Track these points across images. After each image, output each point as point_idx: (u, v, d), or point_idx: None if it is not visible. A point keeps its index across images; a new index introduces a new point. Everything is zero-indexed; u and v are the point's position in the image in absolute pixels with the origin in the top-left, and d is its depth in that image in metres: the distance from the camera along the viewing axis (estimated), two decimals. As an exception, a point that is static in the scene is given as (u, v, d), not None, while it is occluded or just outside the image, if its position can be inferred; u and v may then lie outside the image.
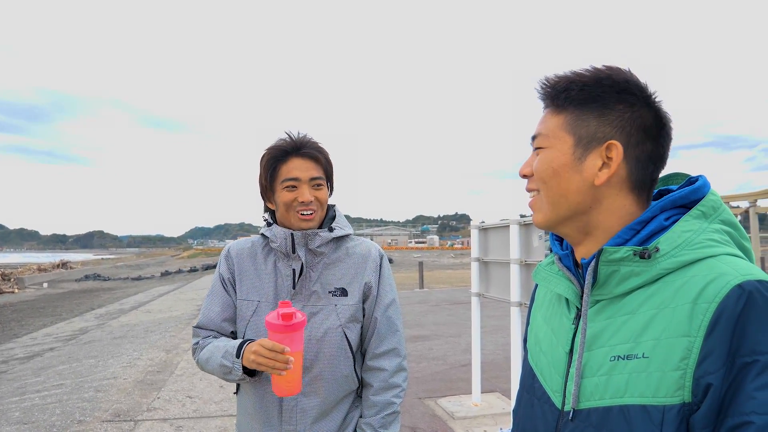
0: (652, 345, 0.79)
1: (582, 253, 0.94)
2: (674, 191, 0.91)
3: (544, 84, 0.94)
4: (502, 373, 6.36)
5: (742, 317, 0.72)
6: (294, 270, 1.65)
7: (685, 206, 0.89)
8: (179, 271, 38.45)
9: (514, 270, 4.33)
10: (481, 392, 5.36)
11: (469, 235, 5.69)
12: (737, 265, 0.78)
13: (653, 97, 0.90)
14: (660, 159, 0.91)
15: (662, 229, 0.86)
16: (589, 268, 0.89)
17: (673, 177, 0.97)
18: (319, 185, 1.65)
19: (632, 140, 0.88)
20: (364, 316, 1.69)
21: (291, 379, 1.43)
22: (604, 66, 0.90)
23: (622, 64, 0.90)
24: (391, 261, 43.95)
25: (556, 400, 0.93)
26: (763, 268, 24.87)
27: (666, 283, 0.82)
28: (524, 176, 0.97)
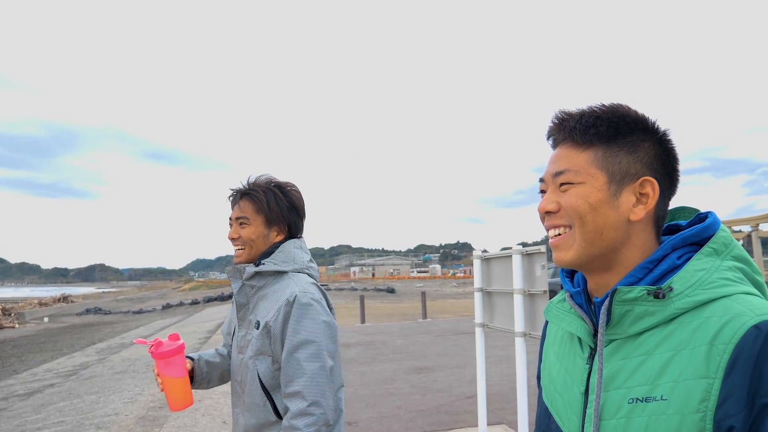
0: (671, 387, 0.79)
1: (600, 288, 0.94)
2: (684, 228, 0.92)
3: (565, 119, 0.94)
4: (508, 404, 6.28)
5: (761, 358, 0.72)
6: (236, 300, 1.88)
7: (696, 243, 0.89)
8: (181, 304, 38.33)
9: (518, 300, 4.31)
10: (488, 424, 5.28)
11: (471, 264, 5.67)
12: (753, 304, 0.78)
13: (668, 134, 0.92)
14: (673, 195, 0.93)
15: (675, 268, 0.87)
16: (603, 308, 0.88)
17: (680, 211, 0.98)
18: (242, 224, 1.83)
19: (658, 176, 0.90)
20: (274, 353, 1.75)
21: (168, 397, 1.73)
22: (617, 103, 0.92)
23: (624, 100, 0.92)
24: (393, 291, 43.81)
25: None
26: (767, 293, 24.70)
27: (681, 324, 0.82)
28: (548, 212, 0.95)
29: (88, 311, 35.68)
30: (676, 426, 0.77)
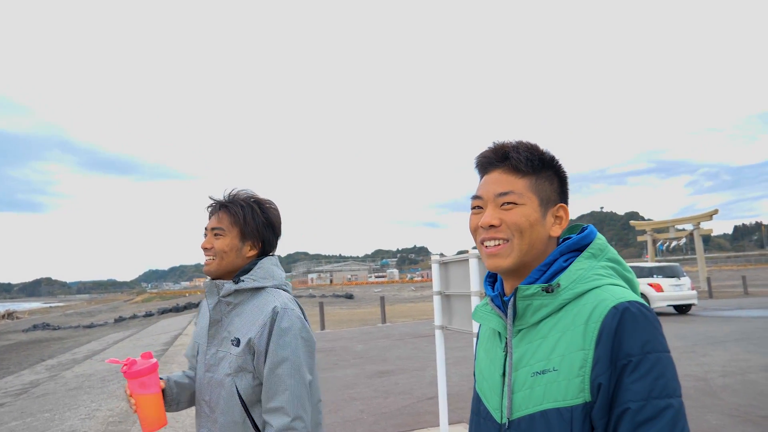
0: (560, 360, 1.05)
1: (510, 285, 1.20)
2: (570, 238, 1.20)
3: (504, 150, 1.19)
4: (468, 404, 6.43)
5: (618, 330, 1.00)
6: (210, 316, 1.85)
7: (579, 249, 1.16)
8: (134, 317, 37.27)
9: (475, 302, 4.46)
10: (449, 424, 5.43)
11: (429, 268, 5.81)
12: (615, 292, 1.06)
13: (566, 172, 1.23)
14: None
15: (562, 269, 1.14)
16: (509, 304, 1.15)
17: (574, 228, 1.24)
18: (217, 234, 1.84)
19: (565, 202, 1.21)
20: (255, 368, 1.73)
21: (141, 417, 1.71)
22: (535, 142, 1.21)
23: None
24: (351, 297, 43.66)
25: (497, 416, 1.16)
26: (709, 286, 25.88)
27: (567, 311, 1.09)
28: (491, 226, 1.16)
29: (35, 327, 34.26)
30: (564, 388, 1.03)
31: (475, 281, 4.48)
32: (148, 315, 37.20)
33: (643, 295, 16.81)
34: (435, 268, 5.40)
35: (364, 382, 8.43)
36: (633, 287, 1.14)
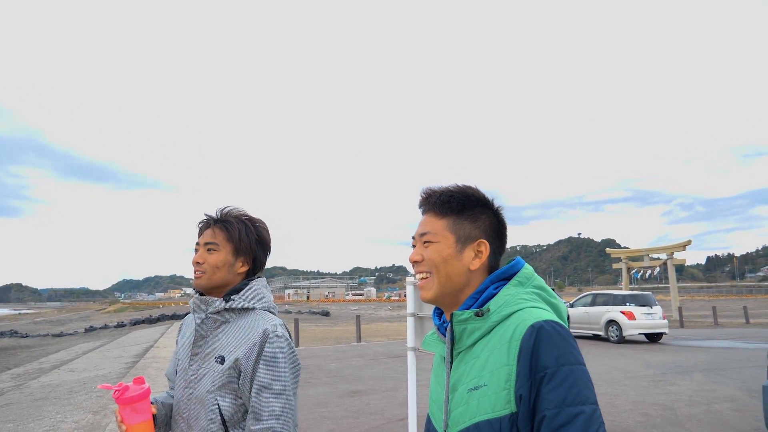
0: (489, 375, 1.17)
1: (448, 315, 1.33)
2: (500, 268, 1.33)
3: (429, 195, 1.36)
4: (438, 426, 6.47)
5: (535, 346, 1.12)
6: (195, 332, 1.84)
7: (507, 278, 1.29)
8: (105, 327, 36.63)
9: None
10: (418, 446, 5.43)
11: (406, 288, 5.86)
12: (533, 313, 1.18)
13: (499, 208, 1.37)
14: (504, 250, 1.37)
15: (492, 296, 1.27)
16: (447, 329, 1.29)
17: (506, 260, 1.38)
18: (210, 249, 1.84)
19: (491, 239, 1.34)
20: (240, 388, 1.73)
21: None
22: (467, 184, 1.36)
23: (475, 182, 1.38)
24: (327, 314, 43.39)
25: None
26: (680, 316, 26.24)
27: (495, 332, 1.22)
28: (414, 262, 1.34)
29: (2, 334, 33.57)
30: (493, 401, 1.15)
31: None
32: (120, 325, 36.57)
33: (615, 322, 17.08)
34: (410, 289, 5.45)
35: (335, 401, 8.40)
36: (558, 311, 1.26)
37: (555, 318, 1.18)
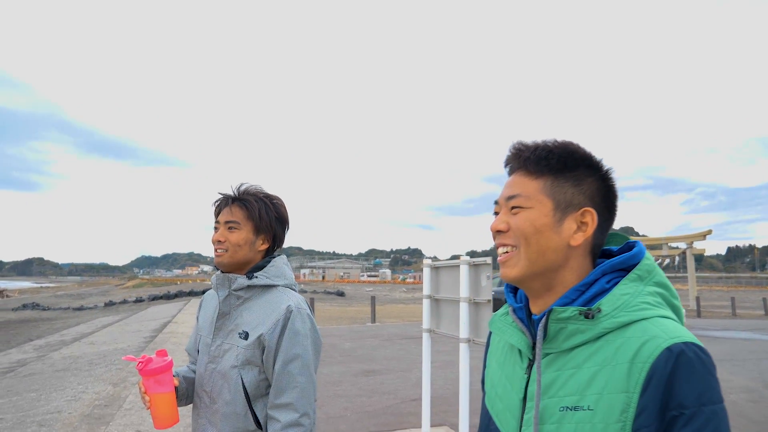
0: (596, 398, 0.92)
1: (539, 305, 1.06)
2: (615, 255, 1.06)
3: (520, 150, 1.07)
4: (451, 407, 6.52)
5: (671, 377, 0.86)
6: (219, 309, 1.87)
7: (623, 269, 1.01)
8: (124, 302, 37.26)
9: (463, 308, 4.54)
10: (431, 426, 5.50)
11: (421, 270, 5.89)
12: (667, 327, 0.91)
13: (609, 170, 1.06)
14: (611, 226, 1.07)
15: (604, 291, 0.99)
16: (540, 324, 1.00)
17: (612, 237, 1.10)
18: (231, 228, 1.85)
19: (598, 208, 1.03)
20: (264, 363, 1.76)
21: (155, 415, 1.71)
22: (568, 140, 1.07)
23: (577, 138, 1.09)
24: (342, 294, 43.63)
25: None
26: (698, 306, 26.01)
27: (607, 342, 0.94)
28: (498, 231, 1.06)
29: (25, 306, 34.29)
30: None
31: (464, 287, 4.56)
32: (139, 301, 37.16)
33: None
34: (426, 272, 5.47)
35: (349, 380, 8.49)
36: (680, 317, 0.99)
37: (694, 339, 0.90)
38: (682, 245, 31.79)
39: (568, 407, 0.94)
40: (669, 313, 0.97)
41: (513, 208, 1.05)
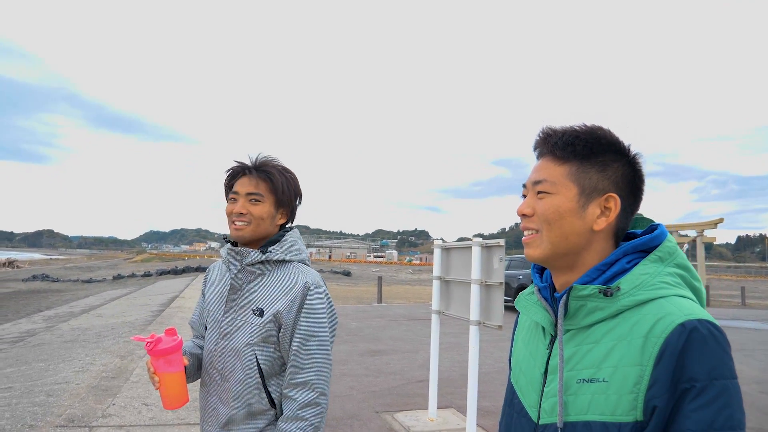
0: (611, 371, 0.96)
1: (561, 283, 1.10)
2: (638, 236, 1.08)
3: (548, 135, 1.10)
4: (458, 389, 6.50)
5: (683, 351, 0.89)
6: (230, 284, 1.80)
7: (645, 251, 1.04)
8: (132, 275, 37.52)
9: (475, 290, 4.49)
10: (437, 408, 5.48)
11: (428, 251, 5.84)
12: (682, 305, 0.94)
13: (637, 157, 1.08)
14: (636, 211, 1.10)
15: (624, 271, 1.02)
16: (561, 301, 1.05)
17: (638, 221, 1.13)
18: (255, 200, 1.76)
19: (623, 194, 1.06)
20: (279, 341, 1.71)
21: (165, 395, 1.65)
22: (596, 125, 1.08)
23: (605, 123, 1.09)
24: (349, 274, 43.80)
25: (533, 414, 1.10)
26: (708, 294, 25.85)
27: (624, 319, 0.98)
28: (524, 215, 1.11)
29: (35, 278, 34.61)
30: (614, 403, 0.95)
31: (476, 269, 4.50)
32: (147, 275, 37.43)
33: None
34: (437, 252, 5.41)
35: (355, 360, 8.50)
36: (700, 298, 1.02)
37: (709, 317, 0.93)
38: (692, 233, 31.51)
39: (584, 379, 0.99)
40: (688, 293, 1.00)
41: (539, 192, 1.09)
